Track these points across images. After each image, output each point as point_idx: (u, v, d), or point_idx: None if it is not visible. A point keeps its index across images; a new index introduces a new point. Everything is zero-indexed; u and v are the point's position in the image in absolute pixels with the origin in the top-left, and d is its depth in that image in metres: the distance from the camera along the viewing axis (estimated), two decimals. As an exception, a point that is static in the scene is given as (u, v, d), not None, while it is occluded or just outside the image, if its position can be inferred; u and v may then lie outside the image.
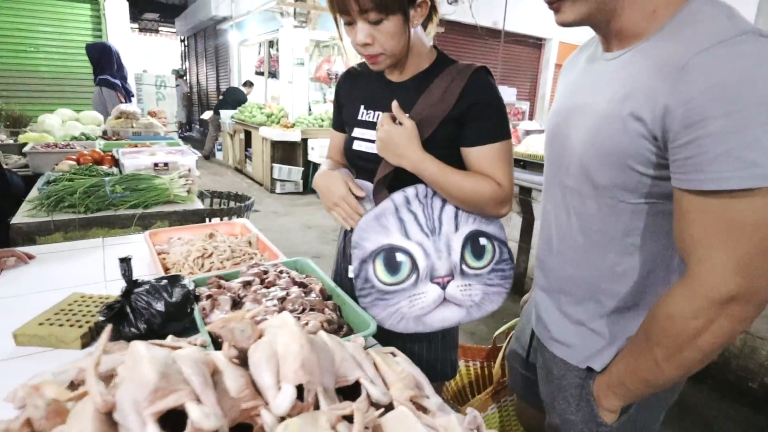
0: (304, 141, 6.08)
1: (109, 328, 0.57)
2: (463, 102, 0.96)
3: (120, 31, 5.31)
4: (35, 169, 2.56)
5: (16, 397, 0.61)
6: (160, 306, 0.84)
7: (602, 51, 0.80)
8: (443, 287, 0.99)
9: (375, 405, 0.60)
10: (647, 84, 0.66)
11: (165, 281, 0.89)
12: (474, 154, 0.99)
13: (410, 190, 1.00)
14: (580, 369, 0.85)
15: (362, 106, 1.11)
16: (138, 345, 0.53)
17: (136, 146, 2.82)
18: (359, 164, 1.09)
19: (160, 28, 14.26)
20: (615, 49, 0.76)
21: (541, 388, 0.96)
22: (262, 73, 8.32)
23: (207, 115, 8.86)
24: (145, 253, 1.34)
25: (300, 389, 0.54)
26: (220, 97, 8.29)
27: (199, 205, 2.01)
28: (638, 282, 0.78)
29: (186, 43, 13.53)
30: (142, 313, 0.84)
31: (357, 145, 1.08)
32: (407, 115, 0.97)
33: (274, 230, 4.67)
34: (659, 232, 0.75)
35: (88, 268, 1.25)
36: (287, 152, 6.23)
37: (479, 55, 8.29)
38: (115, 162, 2.48)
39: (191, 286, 0.90)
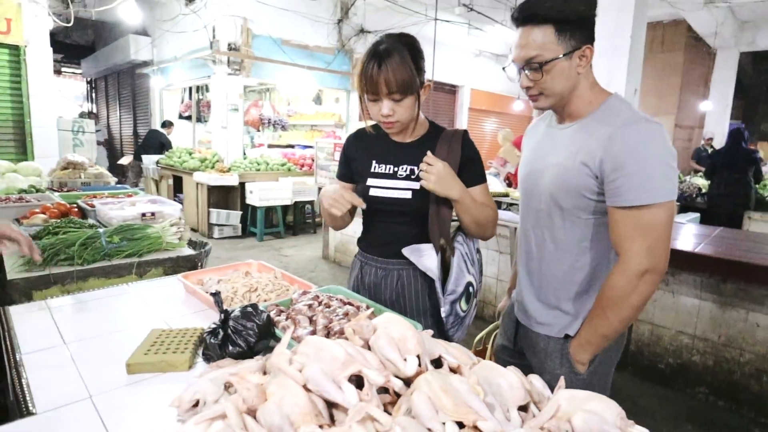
0: (242, 185, 6.16)
1: (291, 329, 0.80)
2: (463, 158, 1.32)
3: (43, 78, 5.13)
4: (-13, 224, 2.49)
5: (183, 401, 0.82)
6: (253, 327, 1.05)
7: (557, 123, 1.23)
8: (476, 297, 1.40)
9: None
10: (590, 145, 1.08)
11: (250, 308, 1.10)
12: (473, 192, 1.33)
13: (460, 237, 1.34)
14: (559, 338, 1.21)
15: (374, 161, 1.41)
16: (316, 338, 0.77)
17: (95, 196, 2.83)
18: (377, 207, 1.38)
19: (63, 69, 13.45)
20: (566, 122, 1.20)
21: (531, 359, 1.30)
22: (188, 117, 8.26)
23: (126, 160, 8.52)
24: (179, 293, 1.50)
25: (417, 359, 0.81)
26: (139, 141, 8.09)
27: (190, 251, 2.15)
28: (590, 272, 1.17)
29: (93, 85, 12.90)
30: (241, 334, 1.04)
31: (373, 192, 1.38)
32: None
33: (221, 274, 4.67)
34: (602, 237, 1.14)
35: (138, 309, 1.38)
36: (224, 197, 6.25)
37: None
38: (82, 213, 2.51)
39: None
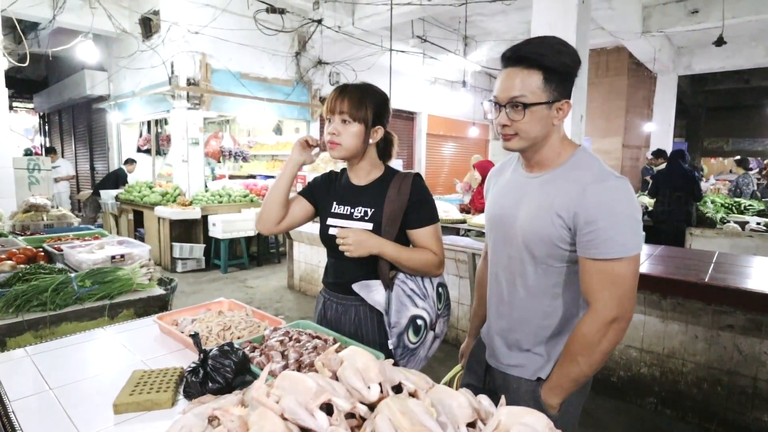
0: (204, 218, 6.16)
1: (270, 365, 0.92)
2: (411, 200, 1.46)
3: (-3, 118, 5.03)
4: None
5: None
6: (230, 364, 1.16)
7: (524, 169, 1.27)
8: (434, 330, 1.48)
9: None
10: (564, 198, 1.13)
11: (227, 347, 1.20)
12: (417, 234, 1.48)
13: (400, 275, 1.44)
14: (531, 381, 1.25)
15: (335, 202, 1.56)
16: (292, 372, 0.90)
17: (60, 239, 2.84)
18: (335, 245, 1.48)
19: (14, 105, 13.03)
20: (535, 171, 1.24)
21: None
22: (147, 151, 8.19)
23: (84, 195, 8.34)
24: (154, 334, 1.57)
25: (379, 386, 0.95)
26: (96, 175, 8.03)
27: (159, 291, 2.21)
28: (562, 317, 1.22)
29: (47, 119, 12.54)
30: (219, 371, 1.14)
31: (332, 231, 1.51)
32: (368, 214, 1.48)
33: (187, 309, 4.64)
34: (573, 284, 1.19)
35: (116, 352, 1.44)
36: (186, 230, 6.21)
37: (361, 129, 9.22)
38: (49, 257, 2.52)
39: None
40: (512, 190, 1.29)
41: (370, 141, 1.48)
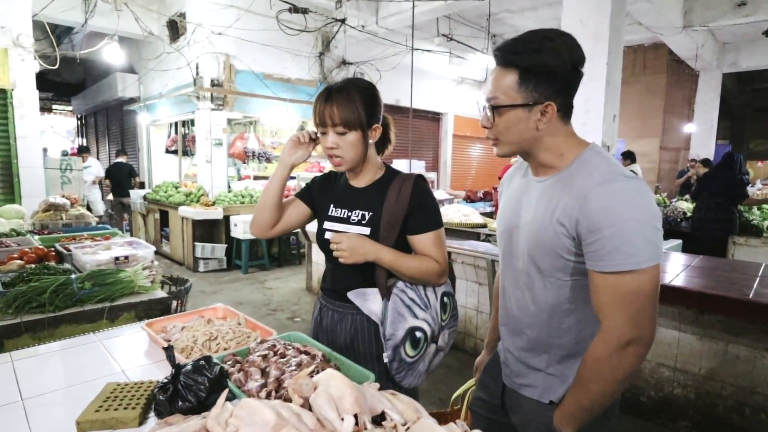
0: (226, 218, 6.18)
1: (226, 391, 0.82)
2: (411, 203, 1.35)
3: (29, 119, 5.18)
4: (-37, 271, 2.48)
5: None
6: (203, 382, 1.06)
7: (532, 174, 1.16)
8: (436, 342, 1.37)
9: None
10: (566, 203, 1.02)
11: (203, 362, 1.11)
12: (418, 240, 1.36)
13: (400, 283, 1.33)
14: (543, 403, 1.14)
15: (332, 205, 1.46)
16: (251, 401, 0.79)
17: (74, 239, 2.84)
18: (330, 250, 1.38)
19: (54, 107, 13.59)
20: (540, 175, 1.13)
21: (515, 419, 1.25)
22: (174, 152, 8.33)
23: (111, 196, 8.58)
24: (143, 341, 1.50)
25: (354, 417, 0.83)
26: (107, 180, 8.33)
27: (162, 293, 2.16)
28: (577, 335, 1.10)
29: (84, 121, 13.01)
30: (191, 388, 1.05)
31: (329, 235, 1.40)
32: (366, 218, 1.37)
33: (205, 310, 4.64)
34: (586, 298, 1.06)
35: (100, 360, 1.38)
36: (209, 230, 6.25)
37: (386, 130, 9.13)
38: (59, 257, 2.51)
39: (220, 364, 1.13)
40: (519, 198, 1.18)
41: (370, 141, 1.38)
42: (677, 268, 2.80)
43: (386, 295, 1.33)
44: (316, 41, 7.34)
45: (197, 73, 6.42)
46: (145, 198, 7.38)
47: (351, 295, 1.37)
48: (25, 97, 5.15)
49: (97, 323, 1.91)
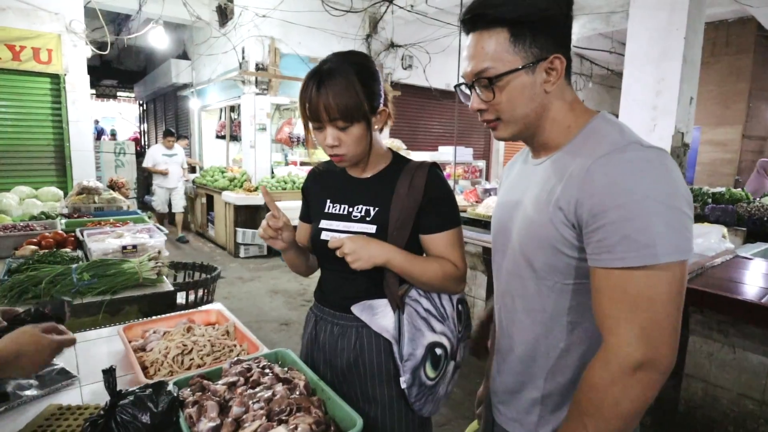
0: (268, 204, 6.11)
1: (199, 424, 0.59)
2: (425, 197, 1.09)
3: (81, 104, 5.31)
4: (-8, 253, 2.47)
5: None
6: (145, 418, 0.85)
7: (531, 157, 0.95)
8: (455, 358, 1.14)
9: None
10: (564, 181, 0.80)
11: (150, 390, 0.89)
12: (432, 240, 1.12)
13: (413, 292, 1.10)
14: None
15: (328, 200, 1.21)
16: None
17: (99, 224, 2.78)
18: (326, 253, 1.16)
19: (118, 94, 14.28)
20: (541, 156, 0.91)
21: None
22: (223, 137, 8.42)
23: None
24: (119, 347, 1.32)
25: None
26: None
27: (168, 287, 2.00)
28: (580, 358, 0.86)
29: (144, 107, 13.56)
30: (127, 427, 0.84)
31: (324, 236, 1.16)
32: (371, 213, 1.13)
33: (240, 297, 4.58)
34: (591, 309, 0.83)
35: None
36: (251, 216, 6.22)
37: (436, 115, 8.76)
38: (78, 243, 2.44)
39: (175, 392, 0.91)
40: (515, 186, 0.97)
41: (376, 128, 1.11)
42: (765, 280, 2.30)
43: (399, 306, 1.09)
44: (362, 23, 7.06)
45: (243, 57, 6.36)
46: (193, 182, 7.50)
47: (356, 309, 1.12)
48: (77, 82, 5.26)
49: (96, 317, 1.78)
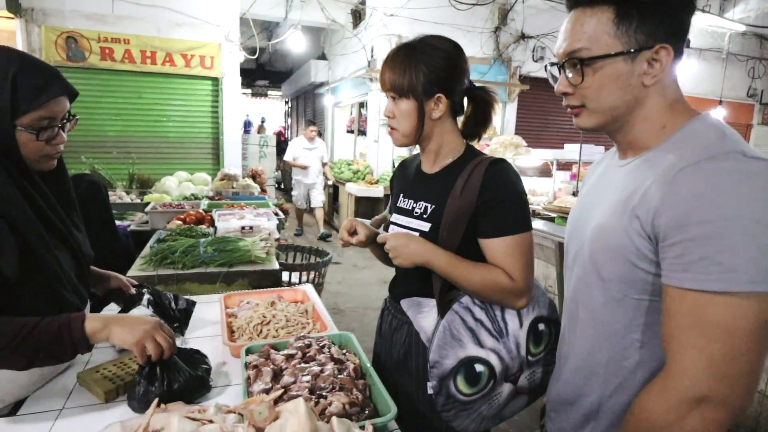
0: (387, 197, 6.34)
1: (156, 401, 0.71)
2: (480, 197, 1.03)
3: (233, 102, 6.10)
4: (153, 225, 3.00)
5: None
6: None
7: (618, 158, 0.86)
8: (515, 382, 1.06)
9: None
10: (645, 187, 0.73)
11: (195, 353, 1.05)
12: (488, 246, 1.05)
13: (465, 298, 1.05)
14: None
15: (401, 194, 1.23)
16: (173, 418, 0.65)
17: (232, 206, 3.19)
18: None
19: (268, 93, 16.05)
20: (627, 156, 0.83)
21: None
22: (352, 131, 8.94)
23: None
24: (214, 312, 1.53)
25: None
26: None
27: (275, 265, 2.22)
28: (644, 380, 0.78)
29: (289, 105, 15.02)
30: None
31: (391, 230, 1.19)
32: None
33: (351, 283, 4.85)
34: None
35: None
36: (370, 207, 6.52)
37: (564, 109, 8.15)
38: (212, 222, 2.84)
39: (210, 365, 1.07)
40: (595, 189, 0.90)
41: (434, 116, 1.08)
42: None
43: (443, 310, 1.05)
44: (491, 15, 6.87)
45: (371, 56, 6.66)
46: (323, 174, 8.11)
47: (404, 303, 1.14)
48: (231, 84, 6.06)
49: (215, 285, 2.07)
